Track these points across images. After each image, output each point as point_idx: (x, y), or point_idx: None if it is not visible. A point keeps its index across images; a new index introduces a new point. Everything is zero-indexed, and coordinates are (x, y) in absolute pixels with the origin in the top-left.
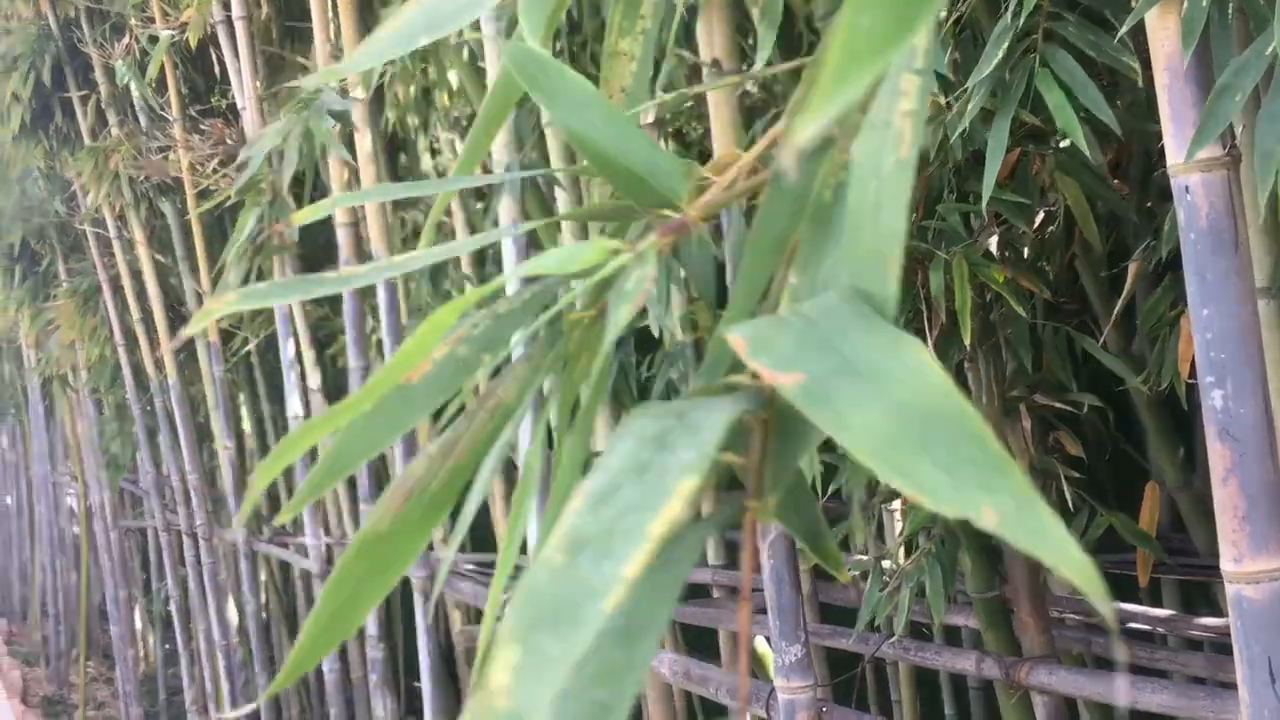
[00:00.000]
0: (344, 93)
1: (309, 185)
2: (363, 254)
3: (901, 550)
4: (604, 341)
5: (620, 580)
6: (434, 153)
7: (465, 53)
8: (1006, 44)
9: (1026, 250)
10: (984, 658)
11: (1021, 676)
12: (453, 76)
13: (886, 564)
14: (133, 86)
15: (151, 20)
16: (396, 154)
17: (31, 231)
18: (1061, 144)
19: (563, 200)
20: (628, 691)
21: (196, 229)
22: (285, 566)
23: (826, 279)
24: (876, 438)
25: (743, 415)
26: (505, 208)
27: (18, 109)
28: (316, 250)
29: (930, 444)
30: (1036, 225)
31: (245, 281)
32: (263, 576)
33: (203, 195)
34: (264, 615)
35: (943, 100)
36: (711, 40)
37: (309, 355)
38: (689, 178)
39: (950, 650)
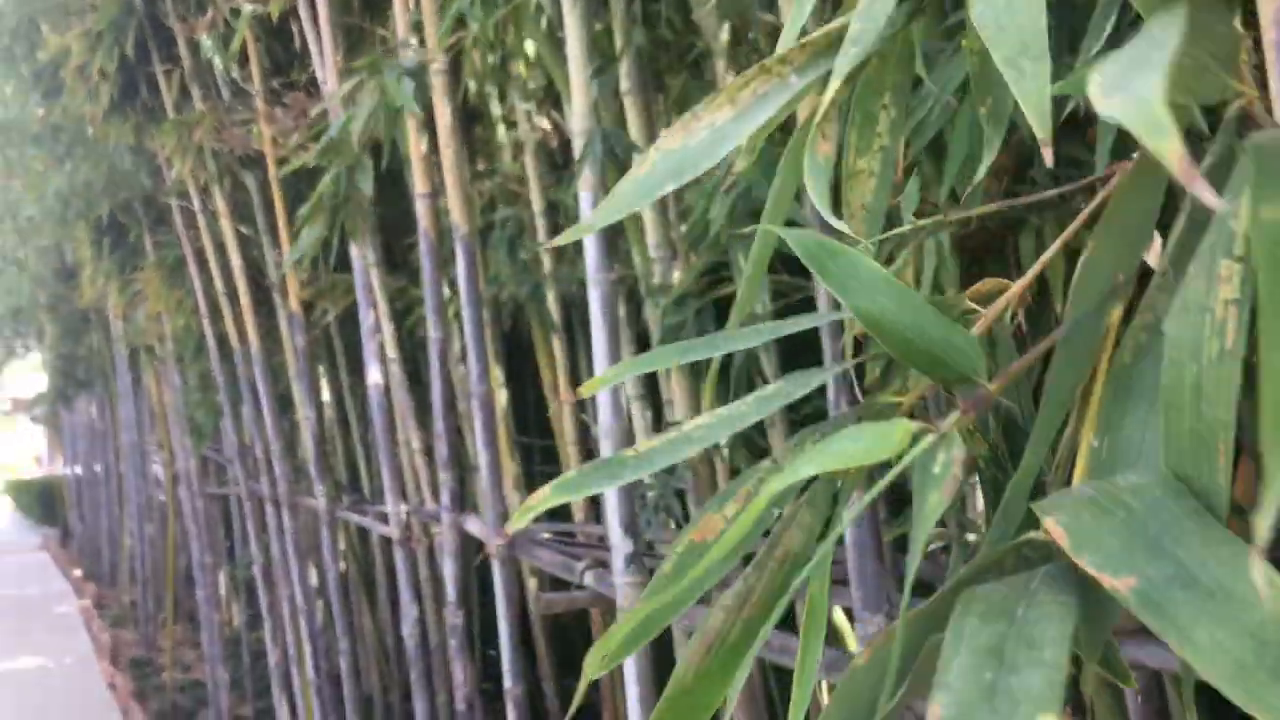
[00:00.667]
0: (422, 66)
1: (388, 150)
2: (440, 225)
3: (985, 522)
4: (921, 535)
5: None
6: (509, 124)
7: (543, 23)
8: (1115, 12)
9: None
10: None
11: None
12: (530, 46)
13: (971, 537)
14: (216, 61)
15: None
16: (471, 125)
17: (119, 205)
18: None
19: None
20: None
21: (278, 200)
22: (364, 533)
23: (1130, 448)
24: (1229, 662)
25: (1077, 629)
26: (585, 180)
27: (105, 85)
28: (395, 220)
29: None
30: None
31: (326, 243)
32: (342, 544)
33: (286, 167)
34: (344, 580)
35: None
36: None
37: (388, 327)
38: (975, 349)
39: None
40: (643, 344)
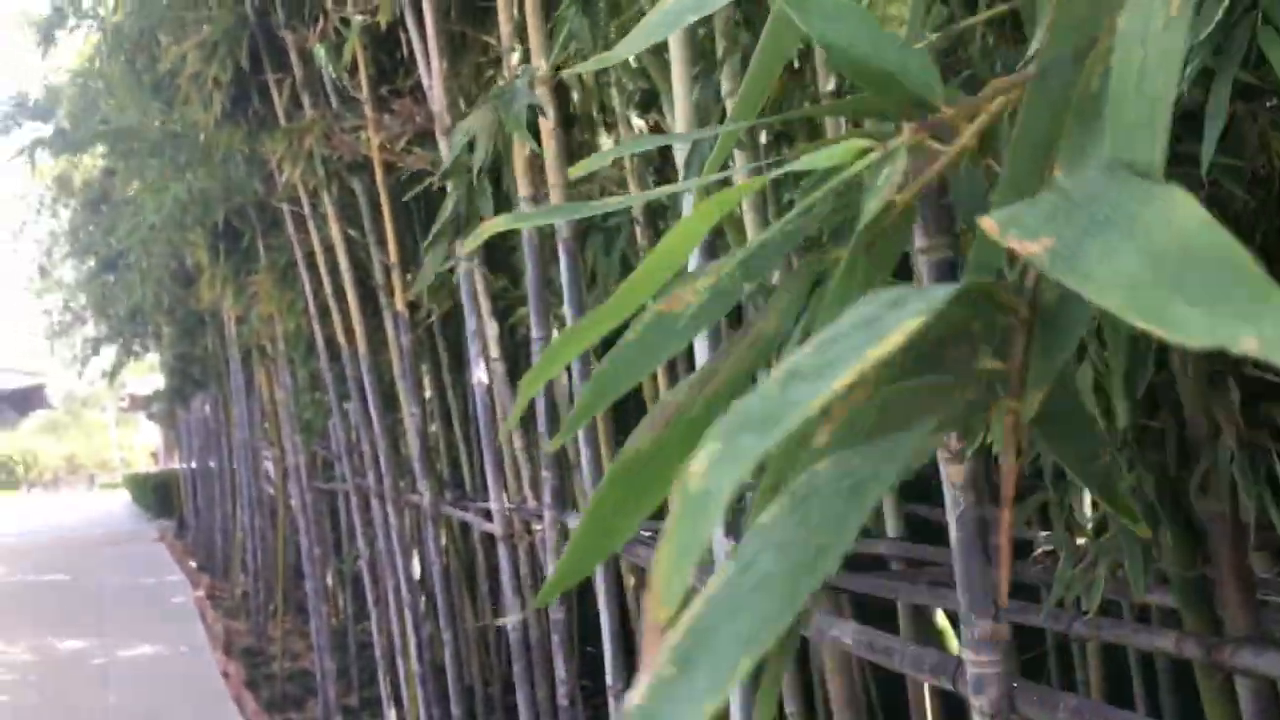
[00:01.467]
0: (531, 84)
1: (503, 164)
2: (543, 227)
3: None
4: (855, 233)
5: (828, 392)
6: (608, 127)
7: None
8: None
9: (1236, 215)
10: (1184, 637)
11: (1225, 658)
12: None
13: (1080, 541)
14: (326, 69)
15: (343, 3)
16: (572, 126)
17: (233, 210)
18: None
19: (740, 160)
20: (844, 539)
21: (385, 205)
22: (466, 528)
23: (1093, 177)
24: (1125, 284)
25: (980, 285)
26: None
27: (219, 94)
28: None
29: (1183, 281)
30: (1247, 189)
31: (445, 260)
32: (444, 539)
33: (391, 172)
34: (446, 575)
35: None
36: None
37: (491, 327)
38: (930, 71)
39: (1147, 629)
40: None
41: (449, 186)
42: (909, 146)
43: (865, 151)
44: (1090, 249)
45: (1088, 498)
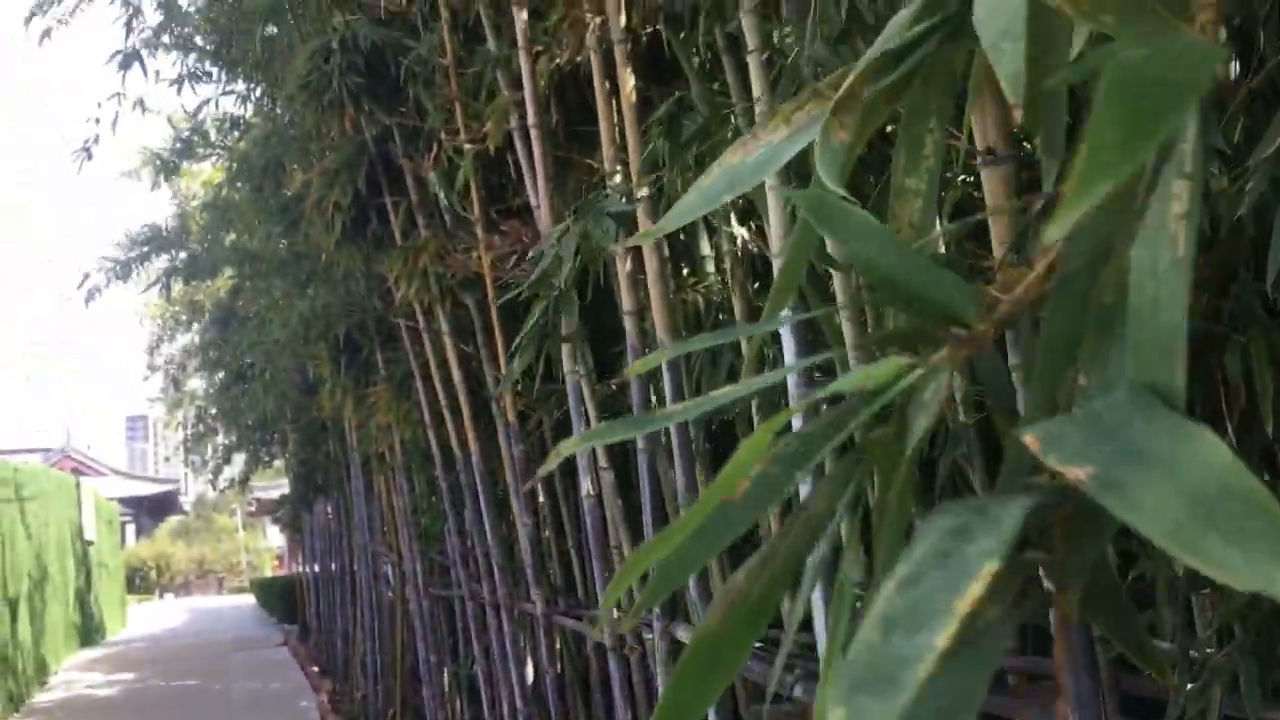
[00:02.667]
0: (628, 195)
1: (592, 282)
2: (647, 339)
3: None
4: (905, 451)
5: (931, 651)
6: (710, 230)
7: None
8: None
9: None
10: None
11: None
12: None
13: (1194, 654)
14: (440, 193)
15: (456, 132)
16: (674, 238)
17: (353, 325)
18: None
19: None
20: None
21: (495, 320)
22: (580, 637)
23: (1114, 379)
24: (1168, 519)
25: (1039, 507)
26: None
27: (339, 217)
28: (606, 329)
29: (1219, 521)
30: None
31: (533, 366)
32: (558, 647)
33: (502, 289)
34: (560, 683)
35: (1226, 179)
36: (985, 126)
37: None
38: (977, 297)
39: None
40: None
41: (537, 296)
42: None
43: (909, 368)
44: (1131, 481)
45: (1202, 613)
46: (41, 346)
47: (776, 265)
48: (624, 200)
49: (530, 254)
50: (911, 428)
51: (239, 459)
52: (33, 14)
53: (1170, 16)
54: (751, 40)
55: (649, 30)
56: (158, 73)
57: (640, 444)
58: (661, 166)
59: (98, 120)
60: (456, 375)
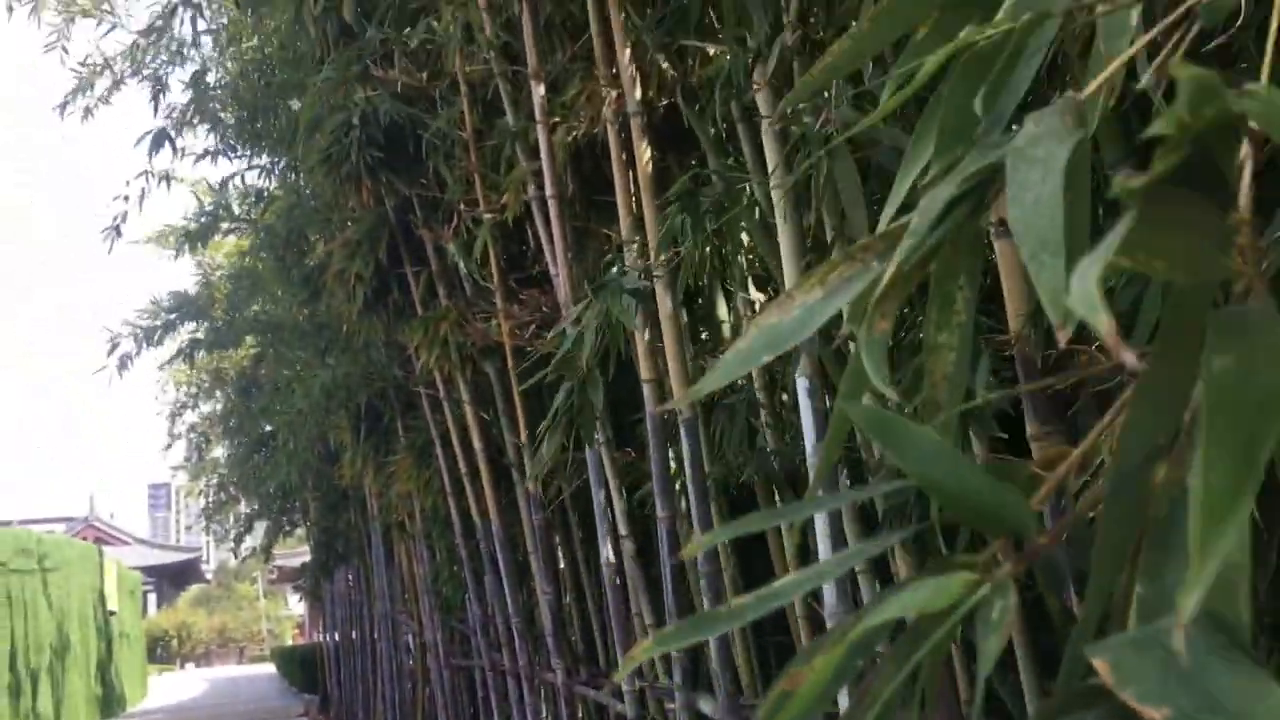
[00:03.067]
0: (646, 271)
1: (614, 356)
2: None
3: None
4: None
5: None
6: (728, 295)
7: (756, 212)
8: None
9: None
10: None
11: None
12: (745, 237)
13: None
14: (459, 264)
15: (475, 203)
16: (692, 303)
17: (374, 394)
18: None
19: None
20: None
21: (515, 388)
22: (601, 707)
23: (1171, 594)
24: None
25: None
26: (803, 365)
27: (361, 287)
28: (624, 397)
29: None
30: None
31: (562, 448)
32: (580, 716)
33: (521, 357)
34: None
35: None
36: (1000, 205)
37: (619, 504)
38: (1024, 489)
39: None
40: (868, 518)
41: (563, 377)
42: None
43: (975, 585)
44: None
45: None
46: (66, 415)
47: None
48: (642, 276)
49: (551, 331)
50: (984, 651)
51: (260, 527)
52: (66, 101)
53: (1218, 253)
54: (766, 111)
55: (665, 103)
56: (184, 149)
57: (661, 512)
58: (679, 241)
59: (126, 197)
60: (477, 443)
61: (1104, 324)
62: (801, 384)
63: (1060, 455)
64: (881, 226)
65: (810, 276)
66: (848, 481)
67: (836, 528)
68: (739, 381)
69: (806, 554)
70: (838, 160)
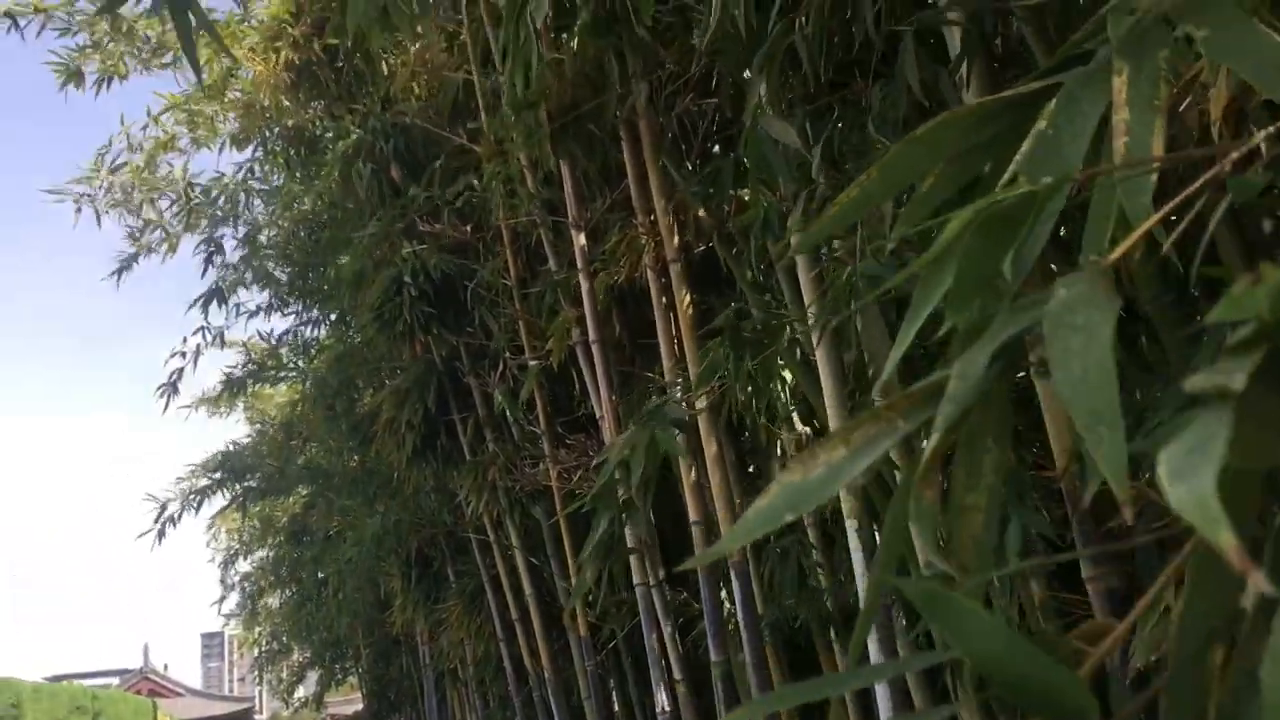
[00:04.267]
0: (690, 405)
1: (653, 492)
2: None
3: None
4: None
5: None
6: (770, 427)
7: (796, 349)
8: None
9: None
10: None
11: None
12: (786, 373)
13: None
14: (506, 410)
15: (520, 350)
16: (738, 437)
17: (424, 540)
18: None
19: None
20: None
21: (565, 531)
22: None
23: None
24: None
25: None
26: (850, 507)
27: (410, 435)
28: (676, 537)
29: None
30: None
31: (598, 582)
32: None
33: (569, 500)
34: None
35: None
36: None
37: (673, 648)
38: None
39: None
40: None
41: (600, 510)
42: None
43: None
44: None
45: None
46: (121, 564)
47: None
48: (685, 407)
49: (595, 462)
50: None
51: (313, 676)
52: (121, 268)
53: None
54: (801, 257)
55: (702, 248)
56: (237, 305)
57: (715, 656)
58: (721, 374)
59: (183, 354)
60: (527, 588)
61: (1229, 544)
62: (850, 525)
63: (1102, 629)
64: (888, 370)
65: (835, 436)
66: (903, 619)
67: (899, 686)
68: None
69: (868, 701)
70: (862, 310)
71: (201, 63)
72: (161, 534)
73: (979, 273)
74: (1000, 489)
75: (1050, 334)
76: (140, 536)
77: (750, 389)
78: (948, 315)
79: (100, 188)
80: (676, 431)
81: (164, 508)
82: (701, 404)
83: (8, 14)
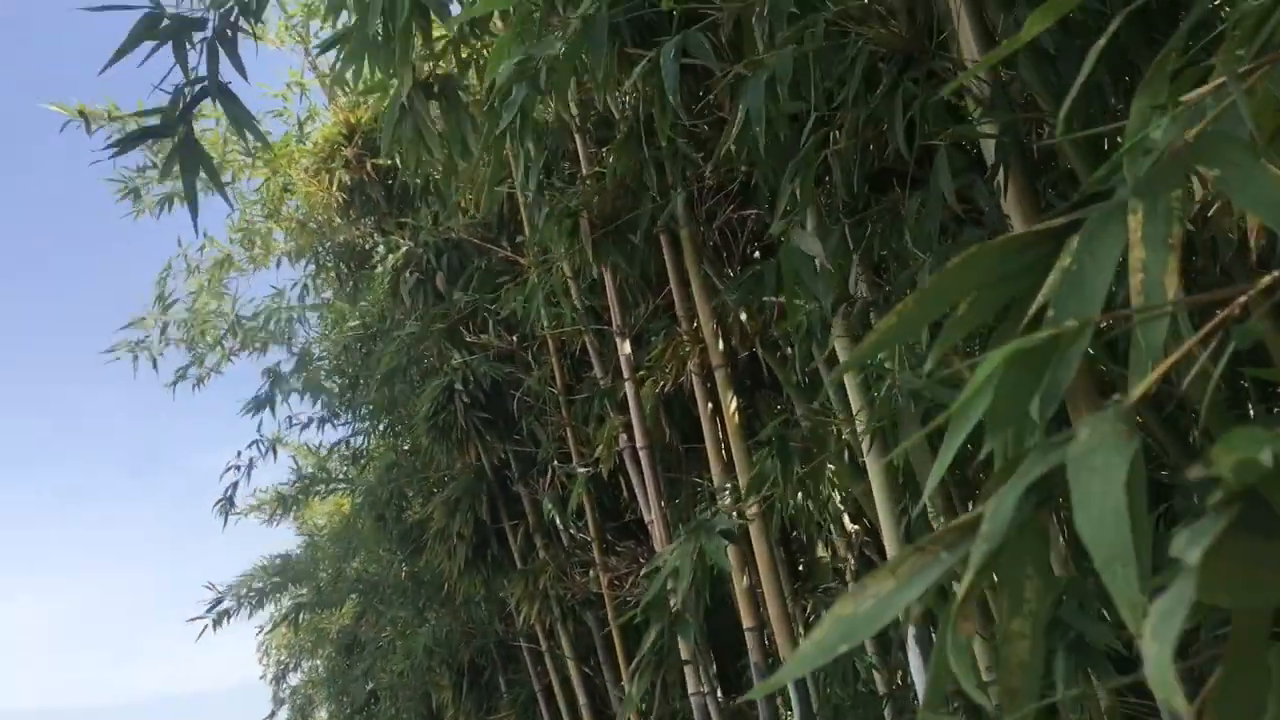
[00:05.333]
0: (740, 513)
1: (705, 599)
2: (768, 654)
3: None
4: None
5: None
6: (823, 530)
7: (845, 455)
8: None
9: None
10: None
11: None
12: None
13: None
14: (556, 518)
15: (568, 456)
16: (788, 537)
17: (476, 650)
18: None
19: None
20: None
21: (617, 638)
22: None
23: None
24: None
25: None
26: None
27: (461, 545)
28: (729, 642)
29: None
30: None
31: (650, 691)
32: None
33: (621, 607)
34: None
35: None
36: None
37: None
38: None
39: None
40: None
41: (650, 620)
42: None
43: None
44: None
45: None
46: (170, 682)
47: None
48: (735, 518)
49: (646, 578)
50: None
51: None
52: (178, 379)
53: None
54: (845, 360)
55: (746, 352)
56: (290, 418)
57: None
58: (771, 484)
59: (237, 468)
60: (580, 696)
61: (1181, 708)
62: (910, 632)
63: None
64: (927, 491)
65: (881, 569)
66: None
67: None
68: None
69: None
70: (904, 420)
71: (260, 182)
72: (217, 623)
73: (1011, 405)
74: (1045, 614)
75: (1072, 476)
76: (190, 620)
77: (801, 496)
78: (987, 438)
79: (156, 328)
80: (725, 542)
81: (218, 602)
82: (752, 510)
83: (81, 113)
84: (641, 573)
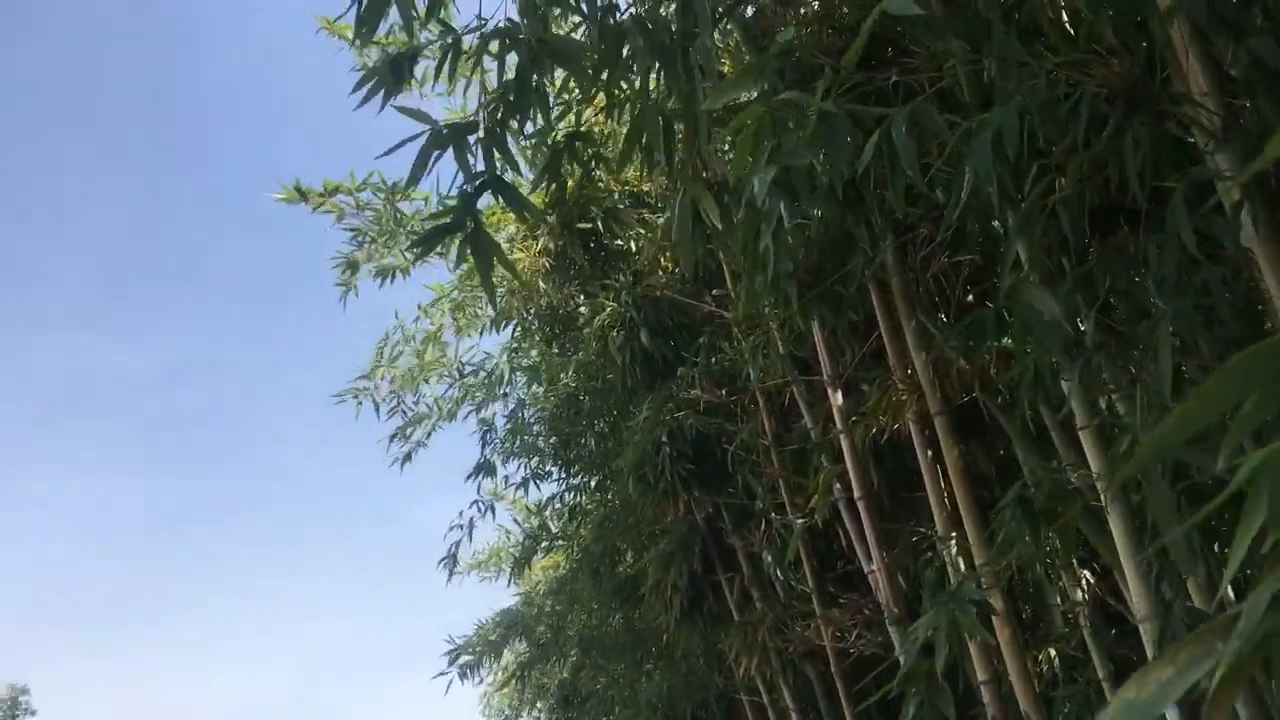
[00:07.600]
0: (979, 581)
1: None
2: (1007, 708)
3: None
4: None
5: None
6: (1062, 597)
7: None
8: None
9: None
10: None
11: None
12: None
13: None
14: (773, 570)
15: (781, 507)
16: (1013, 586)
17: (697, 703)
18: None
19: None
20: None
21: (841, 691)
22: None
23: None
24: None
25: None
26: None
27: (676, 598)
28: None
29: None
30: None
31: None
32: None
33: (844, 658)
34: None
35: None
36: None
37: None
38: None
39: None
40: None
41: (906, 693)
42: None
43: None
44: None
45: None
46: None
47: (1142, 630)
48: (979, 585)
49: (874, 633)
50: None
51: None
52: (393, 437)
53: None
54: (1080, 414)
55: (964, 398)
56: (506, 478)
57: None
58: (1017, 549)
59: (460, 526)
60: None
61: None
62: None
63: None
64: (1227, 578)
65: (1162, 658)
66: None
67: None
68: (1077, 675)
69: None
70: (1149, 483)
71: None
72: (464, 676)
73: None
74: None
75: None
76: (435, 678)
77: (1049, 558)
78: (1272, 533)
79: (382, 380)
80: (975, 611)
81: (457, 655)
82: (989, 572)
83: (298, 189)
84: (867, 623)
